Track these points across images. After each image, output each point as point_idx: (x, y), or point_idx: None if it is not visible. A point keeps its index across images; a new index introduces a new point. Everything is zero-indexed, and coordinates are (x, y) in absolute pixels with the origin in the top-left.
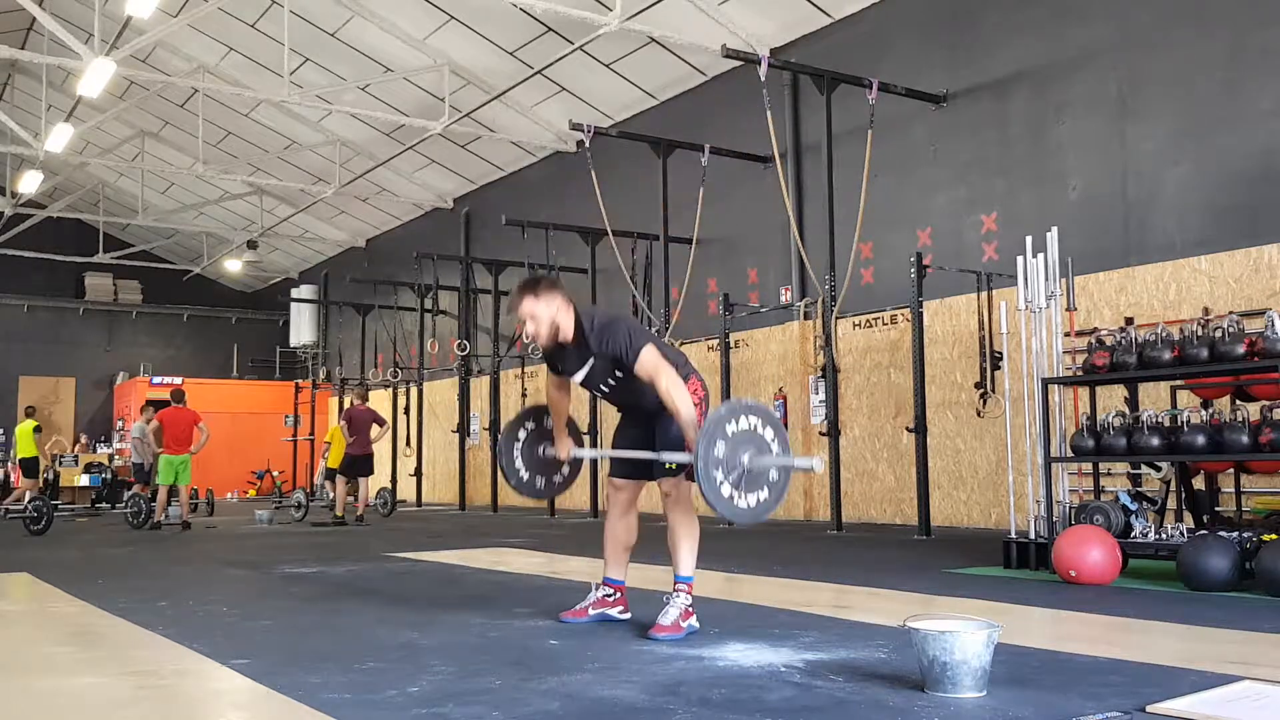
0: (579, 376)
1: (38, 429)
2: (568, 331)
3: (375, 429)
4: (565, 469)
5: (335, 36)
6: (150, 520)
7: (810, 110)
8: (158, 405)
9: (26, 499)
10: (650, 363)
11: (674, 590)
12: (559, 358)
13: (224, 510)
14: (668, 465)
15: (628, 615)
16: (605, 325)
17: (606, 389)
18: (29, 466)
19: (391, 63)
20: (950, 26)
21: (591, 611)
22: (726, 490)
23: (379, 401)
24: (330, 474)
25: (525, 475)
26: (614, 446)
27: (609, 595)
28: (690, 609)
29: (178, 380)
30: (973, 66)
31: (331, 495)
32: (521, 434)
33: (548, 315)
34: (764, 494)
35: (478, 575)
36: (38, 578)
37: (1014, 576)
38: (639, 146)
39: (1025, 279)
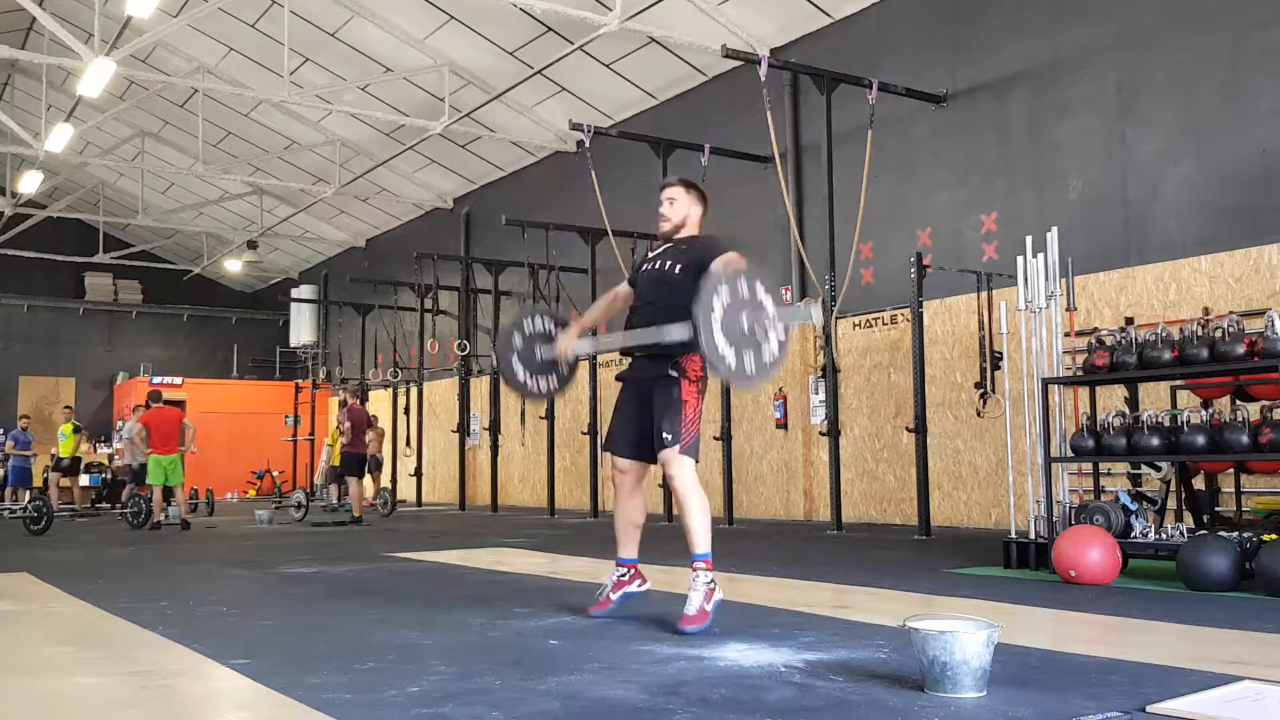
0: (651, 255)
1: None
2: (684, 231)
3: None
4: (564, 368)
5: (335, 36)
6: (150, 520)
7: (810, 110)
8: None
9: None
10: (734, 256)
11: (693, 570)
12: (648, 257)
13: (224, 510)
14: (665, 437)
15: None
16: (711, 237)
17: (659, 284)
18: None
19: (391, 63)
20: (950, 26)
21: (613, 596)
22: (730, 357)
23: (379, 402)
24: (339, 476)
25: (524, 378)
26: (613, 424)
27: (623, 575)
28: (713, 586)
29: (178, 380)
30: (973, 66)
31: (335, 499)
32: (517, 339)
33: (685, 208)
34: (766, 353)
35: (478, 575)
36: (38, 578)
37: (1014, 576)
38: (639, 146)
39: (1025, 279)
